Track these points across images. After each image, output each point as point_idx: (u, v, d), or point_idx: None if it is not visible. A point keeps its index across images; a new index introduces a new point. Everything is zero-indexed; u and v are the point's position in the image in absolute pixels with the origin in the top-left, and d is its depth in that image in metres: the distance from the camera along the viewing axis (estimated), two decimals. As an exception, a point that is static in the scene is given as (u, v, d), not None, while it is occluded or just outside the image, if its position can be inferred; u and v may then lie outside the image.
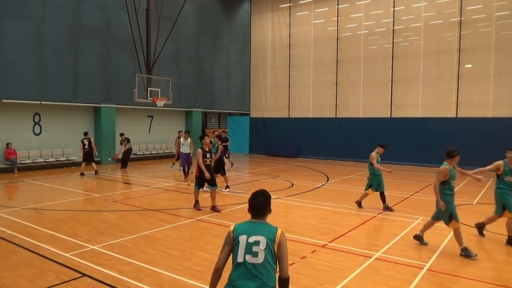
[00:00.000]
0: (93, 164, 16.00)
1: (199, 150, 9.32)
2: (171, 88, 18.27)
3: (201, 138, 9.66)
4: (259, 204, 3.27)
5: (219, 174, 12.11)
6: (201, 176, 9.42)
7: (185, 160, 14.48)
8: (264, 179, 15.29)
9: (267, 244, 3.09)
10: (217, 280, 3.22)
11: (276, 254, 3.11)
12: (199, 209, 9.56)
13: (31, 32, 16.68)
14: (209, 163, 9.33)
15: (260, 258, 3.06)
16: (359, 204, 10.07)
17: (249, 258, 3.07)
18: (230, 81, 28.19)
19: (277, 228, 3.24)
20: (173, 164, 18.10)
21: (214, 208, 9.45)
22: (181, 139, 14.31)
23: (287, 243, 3.22)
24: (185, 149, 14.48)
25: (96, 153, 16.38)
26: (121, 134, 18.63)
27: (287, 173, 16.74)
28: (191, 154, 14.33)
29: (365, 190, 9.96)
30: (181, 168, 15.65)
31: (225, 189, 12.12)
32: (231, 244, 3.22)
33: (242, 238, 3.14)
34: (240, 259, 3.09)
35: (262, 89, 25.83)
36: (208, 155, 9.34)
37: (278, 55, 24.91)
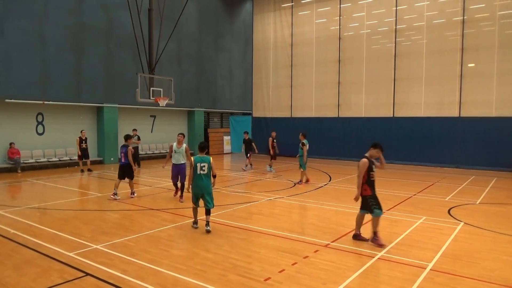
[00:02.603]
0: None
1: (365, 160, 6.87)
2: (173, 87, 18.29)
3: (375, 146, 7.01)
4: (203, 147, 7.77)
5: (127, 178, 10.99)
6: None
7: (177, 173, 10.77)
8: (267, 178, 15.29)
9: (208, 165, 7.47)
10: (191, 177, 7.55)
11: (211, 168, 7.50)
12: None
13: (34, 32, 16.73)
14: (375, 179, 7.06)
15: (206, 171, 7.47)
16: None
17: (201, 172, 7.44)
18: (232, 81, 28.20)
19: (210, 157, 7.62)
20: (270, 166, 17.24)
21: (375, 240, 6.85)
22: (174, 144, 10.69)
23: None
24: (177, 158, 10.67)
25: (76, 152, 16.94)
26: (134, 130, 18.66)
27: (289, 173, 16.73)
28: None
29: None
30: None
31: (132, 194, 11.08)
32: (192, 166, 7.45)
33: (198, 164, 7.44)
34: (198, 172, 7.43)
35: (264, 88, 25.83)
36: (373, 167, 6.99)
37: (280, 55, 24.90)
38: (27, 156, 17.14)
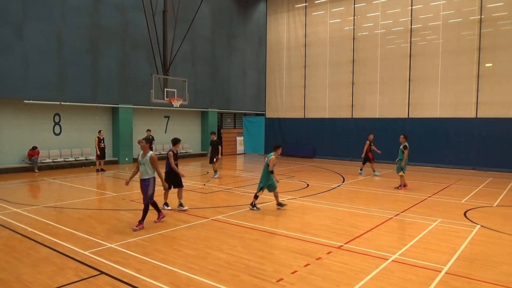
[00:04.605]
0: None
1: None
2: (187, 88, 18.42)
3: None
4: (273, 146, 9.73)
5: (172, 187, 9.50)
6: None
7: (146, 189, 8.00)
8: (280, 179, 15.23)
9: (266, 161, 9.55)
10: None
11: (268, 164, 9.43)
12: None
13: (51, 35, 17.06)
14: None
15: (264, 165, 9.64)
16: None
17: (264, 165, 9.73)
18: (246, 82, 28.26)
19: (271, 155, 9.50)
20: (374, 171, 16.25)
21: None
22: (139, 154, 8.11)
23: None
24: (141, 171, 8.03)
25: (94, 151, 17.48)
26: (148, 130, 18.82)
27: (302, 174, 16.68)
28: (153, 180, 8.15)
29: None
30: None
31: (180, 206, 9.66)
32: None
33: (265, 159, 9.65)
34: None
35: (278, 89, 25.81)
36: None
37: (294, 55, 24.84)
38: (45, 156, 17.48)
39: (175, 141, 9.76)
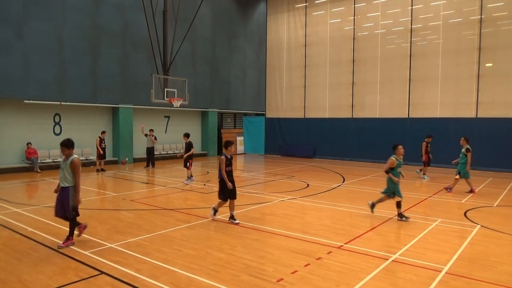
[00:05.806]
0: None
1: None
2: (187, 88, 18.42)
3: None
4: (394, 147, 8.68)
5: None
6: None
7: (59, 201, 6.89)
8: (280, 179, 15.27)
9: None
10: None
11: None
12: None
13: (51, 35, 17.07)
14: None
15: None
16: None
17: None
18: (246, 82, 28.25)
19: (392, 156, 8.46)
20: (423, 173, 15.49)
21: None
22: (62, 158, 7.07)
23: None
24: (62, 178, 6.85)
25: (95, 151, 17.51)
26: (151, 130, 18.87)
27: (302, 174, 16.68)
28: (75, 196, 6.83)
29: None
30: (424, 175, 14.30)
31: (232, 219, 8.37)
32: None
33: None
34: None
35: (278, 89, 25.82)
36: None
37: (294, 55, 24.85)
38: (45, 156, 17.49)
39: (227, 144, 8.33)
